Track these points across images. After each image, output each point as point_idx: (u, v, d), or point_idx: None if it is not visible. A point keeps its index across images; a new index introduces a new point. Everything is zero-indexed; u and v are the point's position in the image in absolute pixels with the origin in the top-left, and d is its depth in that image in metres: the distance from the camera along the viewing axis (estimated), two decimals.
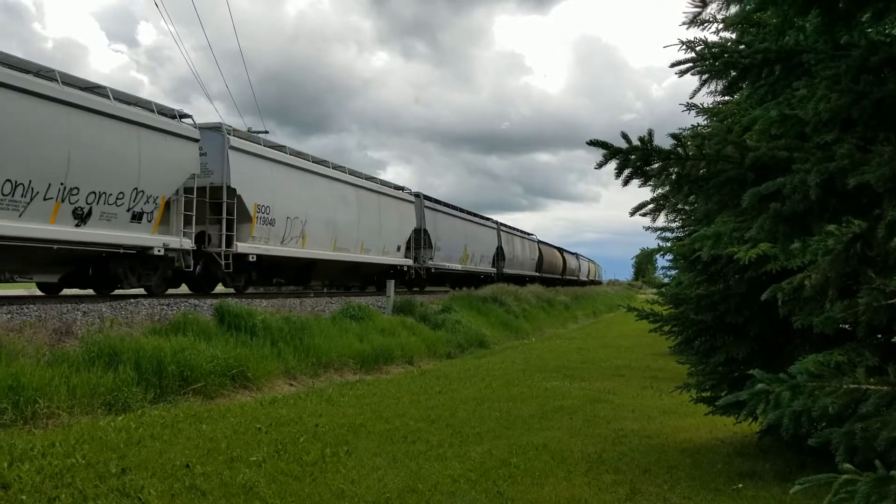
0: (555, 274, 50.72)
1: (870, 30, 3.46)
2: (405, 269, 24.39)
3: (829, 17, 3.33)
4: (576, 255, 66.00)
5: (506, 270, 37.02)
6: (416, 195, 26.33)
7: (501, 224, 38.24)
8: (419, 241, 25.68)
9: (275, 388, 9.22)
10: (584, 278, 67.19)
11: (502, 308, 21.55)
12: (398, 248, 23.52)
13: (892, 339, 3.34)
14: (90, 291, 12.99)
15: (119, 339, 8.01)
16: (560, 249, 56.19)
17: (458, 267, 29.82)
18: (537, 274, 44.59)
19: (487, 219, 36.01)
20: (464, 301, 20.05)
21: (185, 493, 4.43)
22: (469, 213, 33.03)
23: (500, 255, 36.61)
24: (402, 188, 25.21)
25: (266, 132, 18.89)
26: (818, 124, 3.35)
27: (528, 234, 45.89)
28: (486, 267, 34.39)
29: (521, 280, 38.83)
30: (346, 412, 7.39)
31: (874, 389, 2.80)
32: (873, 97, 3.21)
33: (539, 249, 46.36)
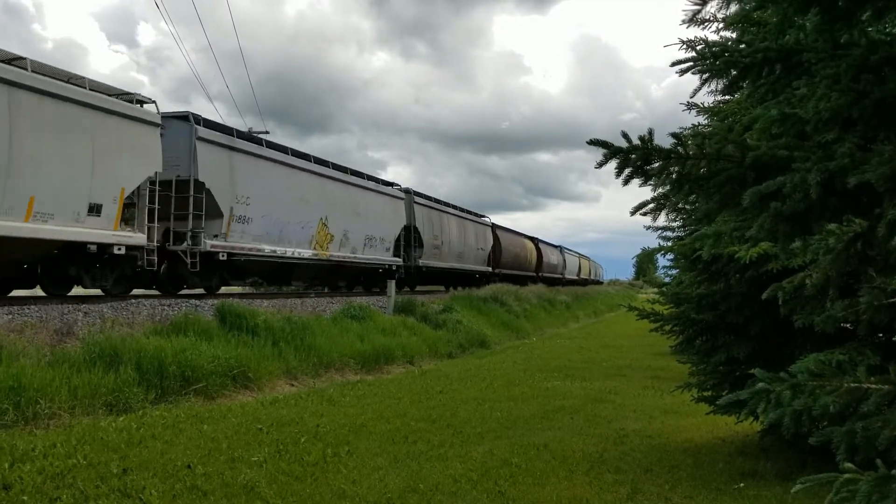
0: (523, 270, 39.11)
1: (870, 28, 3.45)
2: (120, 251, 11.82)
3: (829, 16, 3.33)
4: (559, 248, 54.36)
5: (424, 262, 25.11)
6: (183, 116, 13.92)
7: (418, 195, 25.87)
8: (187, 203, 13.56)
9: (276, 388, 9.22)
10: (571, 276, 56.20)
11: (503, 308, 21.57)
12: (93, 211, 11.23)
13: (893, 338, 3.34)
14: (91, 291, 12.97)
15: (120, 340, 8.02)
16: (535, 240, 44.66)
17: (305, 253, 17.52)
18: (490, 269, 33.32)
19: (389, 184, 24.11)
20: (465, 301, 20.06)
21: (187, 494, 4.43)
22: (338, 168, 20.05)
23: (412, 239, 24.55)
24: (132, 99, 12.40)
25: (266, 132, 18.36)
26: (818, 123, 3.35)
27: (478, 215, 34.18)
28: (382, 255, 22.21)
29: (462, 278, 28.50)
30: (347, 412, 7.39)
31: (875, 388, 2.80)
32: (874, 96, 3.21)
33: (495, 237, 34.98)
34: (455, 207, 30.55)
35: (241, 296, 16.40)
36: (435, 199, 28.39)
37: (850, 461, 2.55)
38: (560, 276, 50.88)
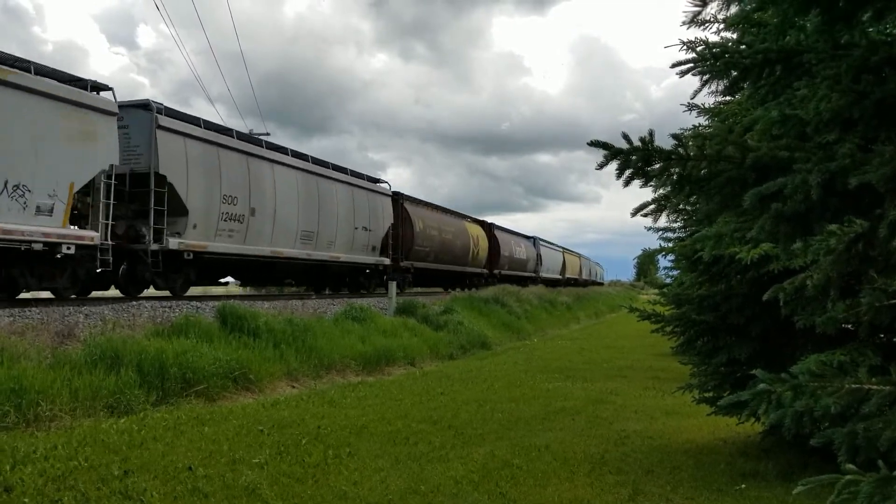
0: (460, 265, 28.57)
1: (870, 29, 3.45)
2: None
3: (829, 17, 3.33)
4: (533, 239, 43.32)
5: (193, 242, 13.76)
6: None
7: (174, 115, 13.91)
8: None
9: (277, 389, 9.23)
10: (550, 276, 45.59)
11: (504, 309, 21.56)
12: None
13: (894, 339, 3.34)
14: (92, 293, 12.96)
15: (121, 342, 8.02)
16: (487, 225, 33.55)
17: None
18: (386, 261, 22.38)
19: (74, 80, 11.30)
20: (466, 302, 20.06)
21: (188, 496, 4.44)
22: None
23: (152, 200, 12.81)
24: None
25: (267, 134, 18.10)
26: (819, 124, 3.35)
27: (370, 179, 22.16)
28: (28, 224, 10.07)
29: (325, 273, 18.88)
30: (348, 414, 7.39)
31: (876, 389, 2.80)
32: (874, 97, 3.20)
33: (402, 213, 23.87)
34: (303, 158, 17.98)
35: (241, 297, 16.41)
36: (239, 132, 15.93)
37: (852, 462, 2.55)
38: (532, 274, 39.47)
